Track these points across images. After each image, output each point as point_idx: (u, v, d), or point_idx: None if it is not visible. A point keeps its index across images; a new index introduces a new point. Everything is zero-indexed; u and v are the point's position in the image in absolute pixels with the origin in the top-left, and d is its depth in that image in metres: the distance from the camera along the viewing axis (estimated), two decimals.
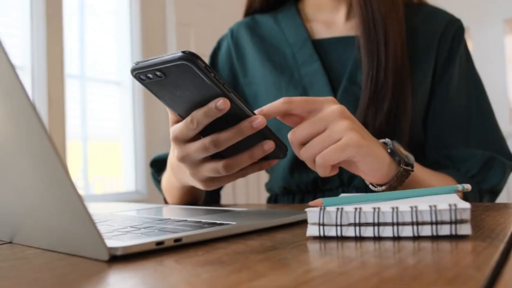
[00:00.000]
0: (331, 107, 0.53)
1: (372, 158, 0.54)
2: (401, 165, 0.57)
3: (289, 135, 0.54)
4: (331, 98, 0.55)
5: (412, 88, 0.77)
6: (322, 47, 0.85)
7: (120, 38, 2.57)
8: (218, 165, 0.52)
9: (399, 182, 0.58)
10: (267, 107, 0.53)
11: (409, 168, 0.57)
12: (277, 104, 0.53)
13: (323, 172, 0.53)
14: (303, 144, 0.54)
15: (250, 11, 0.97)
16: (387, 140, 0.59)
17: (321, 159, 0.52)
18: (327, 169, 0.52)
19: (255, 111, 0.53)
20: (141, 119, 2.56)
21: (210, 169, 0.53)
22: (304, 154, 0.53)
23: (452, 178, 0.71)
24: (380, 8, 0.76)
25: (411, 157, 0.59)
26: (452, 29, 0.83)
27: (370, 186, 0.61)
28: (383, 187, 0.59)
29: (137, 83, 2.80)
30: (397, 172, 0.57)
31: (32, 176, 0.35)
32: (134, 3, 2.59)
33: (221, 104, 0.46)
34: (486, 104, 0.82)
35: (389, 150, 0.58)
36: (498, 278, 0.26)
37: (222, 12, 2.79)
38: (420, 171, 0.65)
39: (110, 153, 2.56)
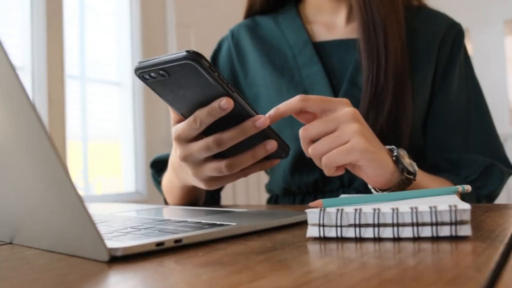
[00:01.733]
0: (345, 109, 0.54)
1: (376, 164, 0.54)
2: (404, 173, 0.57)
3: (301, 132, 0.54)
4: (345, 100, 0.55)
5: (412, 91, 0.77)
6: (323, 50, 0.85)
7: (120, 38, 2.57)
8: (221, 164, 0.52)
9: (400, 189, 0.58)
10: (283, 105, 0.54)
11: (411, 177, 0.58)
12: (294, 102, 0.54)
13: (327, 172, 0.54)
14: (313, 141, 0.55)
15: (250, 13, 0.97)
16: (393, 147, 0.59)
17: (327, 159, 0.53)
18: (332, 169, 0.53)
19: (271, 110, 0.54)
20: (141, 120, 2.56)
21: (213, 168, 0.53)
22: (312, 152, 0.54)
23: (451, 183, 0.72)
24: (380, 11, 0.76)
25: (414, 166, 0.59)
26: (452, 34, 0.83)
27: (372, 190, 0.61)
28: (385, 192, 0.59)
29: (137, 83, 2.79)
30: (399, 180, 0.57)
31: (32, 176, 0.35)
32: (134, 3, 2.59)
33: (225, 103, 0.46)
34: (485, 109, 0.82)
35: (394, 158, 0.58)
36: (498, 279, 0.26)
37: (222, 13, 2.80)
38: (421, 177, 0.65)
39: (110, 154, 2.56)
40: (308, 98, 0.54)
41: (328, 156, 0.52)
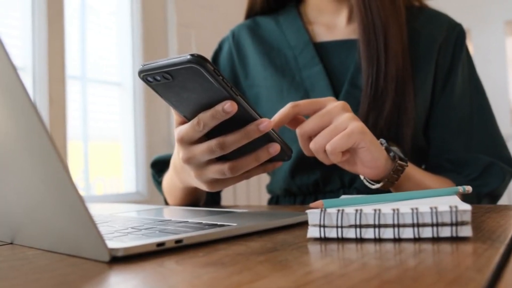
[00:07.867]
0: (334, 103, 0.58)
1: (375, 147, 0.58)
2: (396, 160, 0.61)
3: (298, 130, 0.58)
4: (331, 97, 0.59)
5: (414, 93, 0.77)
6: (323, 50, 0.85)
7: (121, 39, 2.57)
8: (224, 167, 0.52)
9: (394, 179, 0.61)
10: (277, 116, 0.58)
11: (404, 163, 0.62)
12: (286, 110, 0.57)
13: (335, 159, 0.57)
14: (310, 138, 0.58)
15: (251, 13, 0.97)
16: (381, 139, 0.63)
17: (331, 146, 0.55)
18: (338, 156, 0.56)
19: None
20: (142, 120, 2.56)
21: (215, 171, 0.53)
22: (314, 146, 0.57)
23: (450, 181, 0.72)
24: (380, 13, 0.76)
25: (403, 156, 0.63)
26: (453, 35, 0.83)
27: (368, 184, 0.64)
28: (381, 183, 0.62)
29: (138, 84, 2.78)
30: (393, 166, 0.61)
31: (32, 176, 0.35)
32: (135, 4, 2.59)
33: (229, 107, 0.46)
34: (488, 110, 0.82)
35: (384, 147, 0.62)
36: (498, 280, 0.26)
37: (223, 14, 2.80)
38: (415, 171, 0.67)
39: (111, 154, 2.56)
40: (298, 103, 0.58)
41: (331, 143, 0.55)
